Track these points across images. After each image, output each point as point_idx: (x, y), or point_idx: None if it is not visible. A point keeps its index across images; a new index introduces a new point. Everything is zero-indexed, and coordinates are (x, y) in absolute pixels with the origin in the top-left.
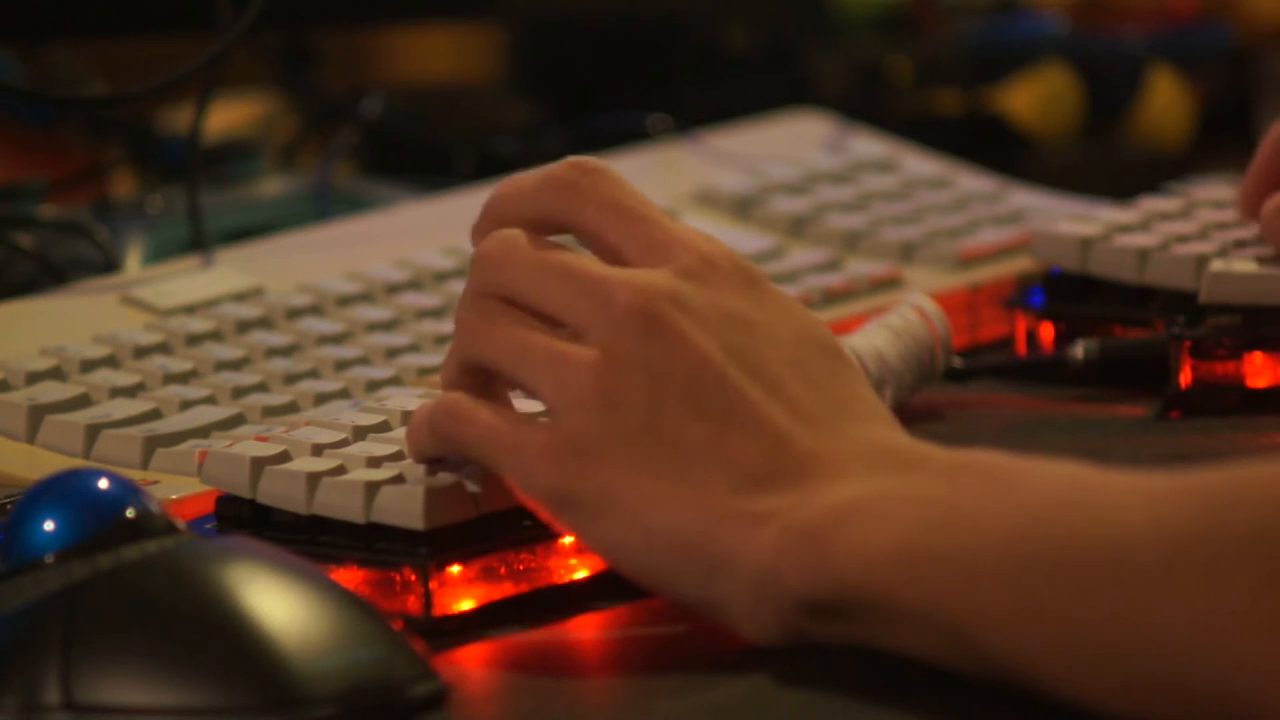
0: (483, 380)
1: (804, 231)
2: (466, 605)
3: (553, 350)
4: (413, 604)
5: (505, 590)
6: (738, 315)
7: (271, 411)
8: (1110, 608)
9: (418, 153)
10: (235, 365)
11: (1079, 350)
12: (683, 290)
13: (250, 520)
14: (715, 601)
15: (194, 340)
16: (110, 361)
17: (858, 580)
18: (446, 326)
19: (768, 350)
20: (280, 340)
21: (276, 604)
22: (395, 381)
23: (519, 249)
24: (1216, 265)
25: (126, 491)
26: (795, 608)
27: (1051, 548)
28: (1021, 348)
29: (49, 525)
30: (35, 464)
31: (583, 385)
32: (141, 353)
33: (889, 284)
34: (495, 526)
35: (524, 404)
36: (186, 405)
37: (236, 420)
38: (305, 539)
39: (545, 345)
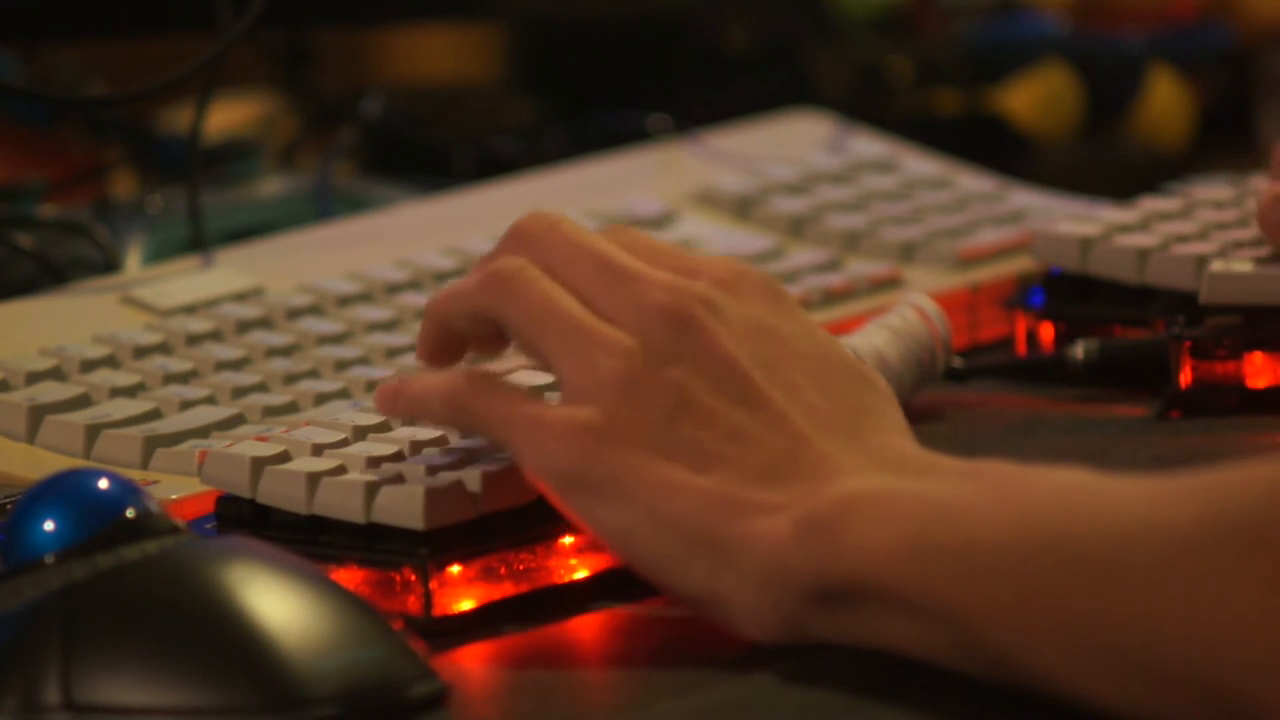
0: (491, 334)
1: (804, 231)
2: (466, 605)
3: (588, 327)
4: (413, 604)
5: (505, 590)
6: (765, 326)
7: (271, 411)
8: (1109, 603)
9: (418, 153)
10: (235, 365)
11: (1079, 350)
12: (715, 297)
13: (250, 520)
14: (718, 594)
15: (194, 340)
16: (110, 361)
17: (863, 570)
18: None
19: (792, 362)
20: (280, 340)
21: (276, 604)
22: None
23: (559, 225)
24: (1216, 266)
25: (126, 491)
26: (799, 599)
27: (1053, 543)
28: (1021, 348)
29: (49, 525)
30: (35, 464)
31: (612, 370)
32: (141, 353)
33: (889, 284)
34: (495, 526)
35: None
36: (186, 405)
37: (236, 420)
38: (305, 539)
39: (581, 319)
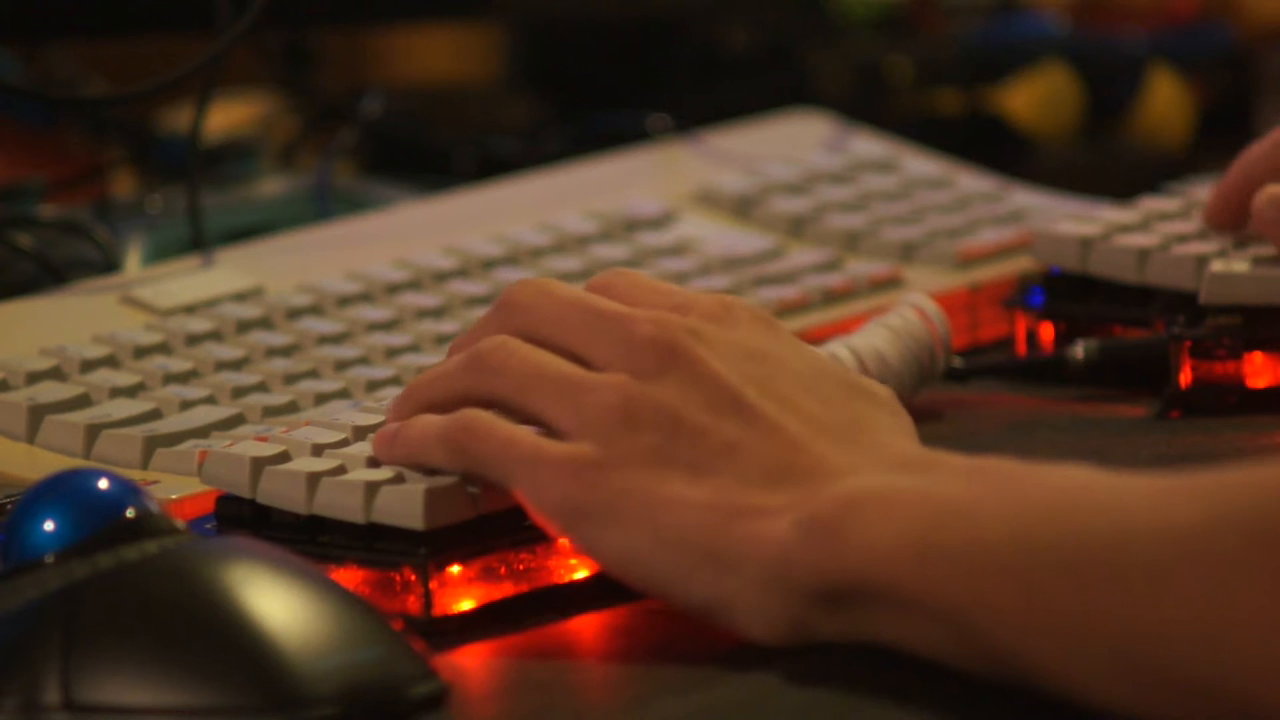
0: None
1: (804, 231)
2: (466, 605)
3: (574, 376)
4: (413, 604)
5: (505, 590)
6: (755, 349)
7: (271, 411)
8: (1114, 603)
9: (418, 153)
10: (235, 365)
11: (1079, 350)
12: (703, 328)
13: (250, 520)
14: (724, 601)
15: (194, 340)
16: (110, 361)
17: (867, 570)
18: (446, 327)
19: (784, 378)
20: (280, 340)
21: (276, 604)
22: (395, 381)
23: (546, 286)
24: (1216, 266)
25: (126, 491)
26: (804, 600)
27: (1058, 543)
28: (1021, 348)
29: (49, 525)
30: (35, 464)
31: (604, 406)
32: (141, 353)
33: (889, 284)
34: (495, 526)
35: None
36: (186, 405)
37: (236, 420)
38: (305, 539)
39: (567, 371)
